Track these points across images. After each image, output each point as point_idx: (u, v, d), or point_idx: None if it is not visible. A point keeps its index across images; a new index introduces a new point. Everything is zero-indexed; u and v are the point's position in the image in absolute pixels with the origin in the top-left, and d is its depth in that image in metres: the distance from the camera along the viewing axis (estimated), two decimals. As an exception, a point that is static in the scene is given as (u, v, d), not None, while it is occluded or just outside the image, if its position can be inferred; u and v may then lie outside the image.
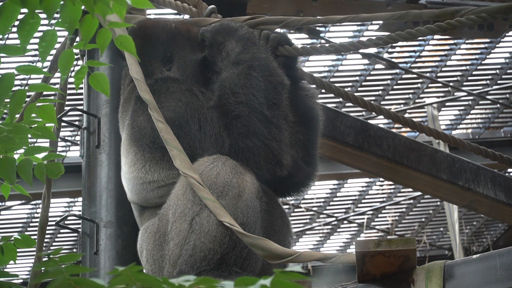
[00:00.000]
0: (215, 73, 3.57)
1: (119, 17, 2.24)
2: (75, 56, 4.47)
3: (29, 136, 2.54)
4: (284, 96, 3.44)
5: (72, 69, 2.39)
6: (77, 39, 4.03)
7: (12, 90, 2.32)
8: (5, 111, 2.46)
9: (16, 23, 2.26)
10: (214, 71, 3.57)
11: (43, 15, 2.23)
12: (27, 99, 2.82)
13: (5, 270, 2.04)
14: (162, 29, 3.64)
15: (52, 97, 6.58)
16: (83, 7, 2.19)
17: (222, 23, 3.62)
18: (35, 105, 2.47)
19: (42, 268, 1.97)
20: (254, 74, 3.41)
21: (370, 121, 5.29)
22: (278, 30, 3.75)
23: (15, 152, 2.58)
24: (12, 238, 2.70)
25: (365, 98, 4.59)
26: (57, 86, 4.31)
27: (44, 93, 4.37)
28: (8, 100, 2.35)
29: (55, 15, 2.21)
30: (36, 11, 2.17)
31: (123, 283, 1.79)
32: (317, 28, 6.62)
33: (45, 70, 4.16)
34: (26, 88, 2.39)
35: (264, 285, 1.66)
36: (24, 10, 2.20)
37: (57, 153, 2.75)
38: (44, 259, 1.94)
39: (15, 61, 6.63)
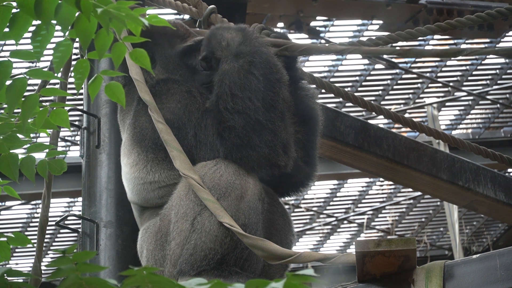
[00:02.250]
0: (199, 62, 3.57)
1: (134, 33, 2.26)
2: (75, 56, 4.48)
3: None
4: (281, 95, 3.42)
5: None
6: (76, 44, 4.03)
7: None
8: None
9: (31, 28, 2.27)
10: (198, 60, 3.57)
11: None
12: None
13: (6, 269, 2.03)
14: None
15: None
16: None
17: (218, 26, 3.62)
18: (47, 109, 2.47)
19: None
20: (255, 73, 3.39)
21: (370, 121, 5.29)
22: (278, 29, 3.75)
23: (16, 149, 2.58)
24: (6, 237, 2.68)
25: (365, 98, 4.59)
26: (57, 86, 4.30)
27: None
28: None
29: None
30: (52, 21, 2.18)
31: (136, 284, 1.79)
32: (317, 28, 6.62)
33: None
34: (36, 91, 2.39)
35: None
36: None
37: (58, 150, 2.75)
38: (58, 255, 1.93)
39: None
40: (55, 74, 2.38)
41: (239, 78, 3.39)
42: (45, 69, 3.74)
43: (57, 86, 4.11)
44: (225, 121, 3.33)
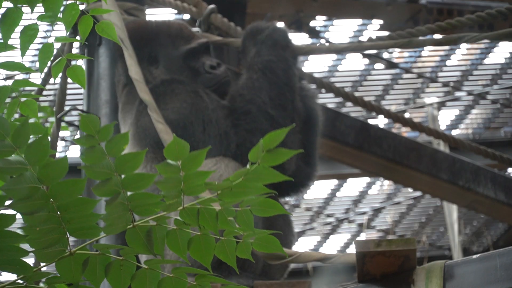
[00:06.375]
0: (202, 64, 3.62)
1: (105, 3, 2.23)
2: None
3: None
4: (290, 98, 3.46)
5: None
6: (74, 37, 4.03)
7: None
8: None
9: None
10: (201, 62, 3.62)
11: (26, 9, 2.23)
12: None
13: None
14: (143, 31, 3.66)
15: (51, 96, 6.59)
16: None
17: (253, 25, 3.68)
18: (19, 100, 2.45)
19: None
20: (254, 77, 3.46)
21: (370, 121, 5.29)
22: (279, 25, 3.76)
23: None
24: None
25: (365, 98, 4.60)
26: (57, 86, 4.31)
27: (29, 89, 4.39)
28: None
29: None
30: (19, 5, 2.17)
31: None
32: (317, 28, 6.62)
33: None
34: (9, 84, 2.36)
35: None
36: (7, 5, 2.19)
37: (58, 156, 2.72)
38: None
39: None
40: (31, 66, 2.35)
41: (245, 83, 3.46)
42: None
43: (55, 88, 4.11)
44: (240, 107, 3.38)
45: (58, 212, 1.91)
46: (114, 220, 1.95)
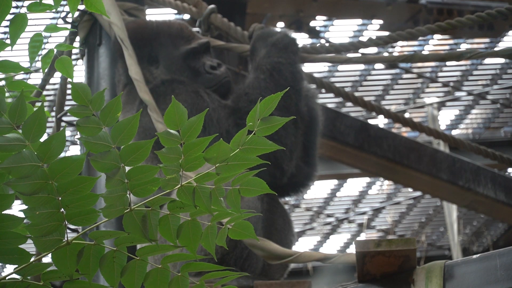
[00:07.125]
0: (202, 64, 3.63)
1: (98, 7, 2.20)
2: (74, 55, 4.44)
3: None
4: (294, 100, 3.47)
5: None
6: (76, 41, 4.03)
7: None
8: None
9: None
10: (202, 62, 3.63)
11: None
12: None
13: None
14: (143, 31, 3.67)
15: (49, 96, 6.59)
16: None
17: (264, 28, 3.70)
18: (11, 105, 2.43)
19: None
20: (261, 77, 3.48)
21: (370, 121, 5.29)
22: (278, 29, 3.76)
23: None
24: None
25: (365, 98, 4.60)
26: (57, 86, 4.31)
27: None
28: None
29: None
30: None
31: None
32: (317, 28, 6.62)
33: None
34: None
35: None
36: None
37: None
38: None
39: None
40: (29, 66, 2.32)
41: (252, 82, 3.47)
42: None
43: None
44: (243, 108, 3.39)
45: (58, 196, 1.89)
46: (114, 201, 1.93)
